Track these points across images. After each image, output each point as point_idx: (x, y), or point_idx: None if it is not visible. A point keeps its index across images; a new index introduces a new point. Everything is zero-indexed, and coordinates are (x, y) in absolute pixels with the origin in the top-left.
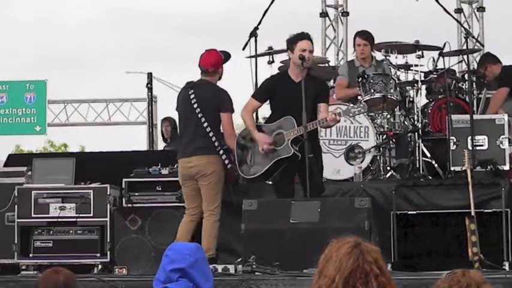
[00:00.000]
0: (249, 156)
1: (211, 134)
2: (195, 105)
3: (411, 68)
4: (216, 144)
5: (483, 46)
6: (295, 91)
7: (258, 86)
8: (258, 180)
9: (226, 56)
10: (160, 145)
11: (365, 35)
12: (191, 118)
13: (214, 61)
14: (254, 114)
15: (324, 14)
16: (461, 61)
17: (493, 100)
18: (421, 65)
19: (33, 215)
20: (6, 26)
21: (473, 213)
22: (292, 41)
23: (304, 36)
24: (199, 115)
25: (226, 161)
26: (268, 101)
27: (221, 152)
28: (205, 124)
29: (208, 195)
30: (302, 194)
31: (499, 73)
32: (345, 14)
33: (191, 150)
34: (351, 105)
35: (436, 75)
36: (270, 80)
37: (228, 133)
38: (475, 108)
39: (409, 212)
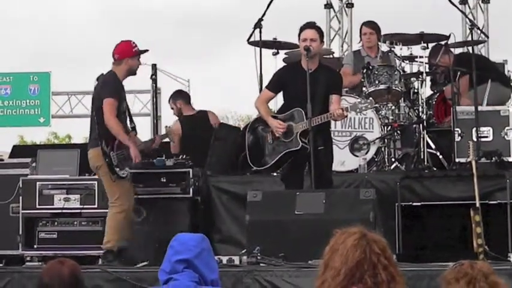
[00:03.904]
0: (259, 147)
1: (96, 126)
2: (92, 98)
3: (416, 60)
4: (98, 136)
5: (488, 37)
6: (306, 81)
7: (271, 76)
8: (267, 171)
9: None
10: None
11: (372, 24)
12: (91, 111)
13: (119, 49)
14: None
15: (328, 6)
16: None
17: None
18: (425, 57)
19: (37, 206)
20: (9, 19)
21: (478, 205)
22: (298, 32)
23: (306, 25)
24: (91, 107)
25: (107, 150)
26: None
27: (101, 143)
28: (93, 114)
29: (106, 187)
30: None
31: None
32: (350, 5)
33: (89, 143)
34: (358, 100)
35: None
36: (282, 70)
37: (106, 119)
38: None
39: (414, 204)
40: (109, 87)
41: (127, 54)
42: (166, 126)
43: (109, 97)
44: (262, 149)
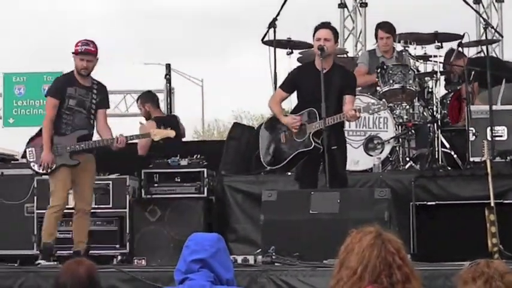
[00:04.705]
0: (272, 146)
1: None
2: None
3: (430, 59)
4: None
5: (502, 36)
6: (320, 81)
7: (285, 76)
8: (279, 171)
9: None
10: None
11: (387, 28)
12: None
13: None
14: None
15: (342, 5)
16: (480, 52)
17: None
18: (440, 56)
19: None
20: (22, 18)
21: (492, 204)
22: (313, 32)
23: (320, 25)
24: None
25: (27, 146)
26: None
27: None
28: None
29: None
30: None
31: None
32: (363, 4)
33: None
34: (372, 101)
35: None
36: (296, 71)
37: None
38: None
39: (429, 203)
40: (51, 86)
41: (74, 51)
42: (141, 123)
43: (48, 95)
44: (275, 148)
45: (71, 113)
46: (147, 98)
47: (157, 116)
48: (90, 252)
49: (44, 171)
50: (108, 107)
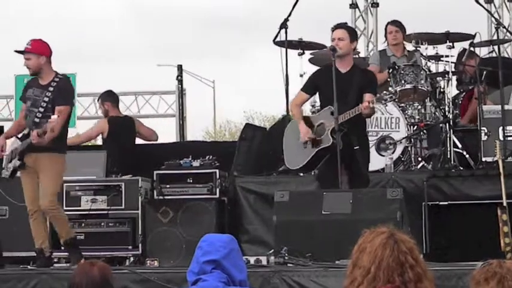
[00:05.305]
0: (294, 147)
1: None
2: None
3: (442, 59)
4: None
5: None
6: (340, 82)
7: (306, 79)
8: (302, 171)
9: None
10: (190, 137)
11: (397, 23)
12: None
13: None
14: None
15: (353, 5)
16: (491, 51)
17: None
18: (451, 56)
19: (64, 208)
20: (32, 19)
21: (505, 204)
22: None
23: (335, 26)
24: None
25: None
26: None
27: None
28: None
29: None
30: (346, 185)
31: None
32: (375, 5)
33: None
34: (384, 92)
35: (464, 61)
36: (316, 72)
37: None
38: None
39: (441, 203)
40: None
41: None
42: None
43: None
44: (297, 149)
45: (29, 114)
46: (108, 96)
47: (113, 116)
48: (103, 254)
49: (7, 176)
50: (62, 104)
